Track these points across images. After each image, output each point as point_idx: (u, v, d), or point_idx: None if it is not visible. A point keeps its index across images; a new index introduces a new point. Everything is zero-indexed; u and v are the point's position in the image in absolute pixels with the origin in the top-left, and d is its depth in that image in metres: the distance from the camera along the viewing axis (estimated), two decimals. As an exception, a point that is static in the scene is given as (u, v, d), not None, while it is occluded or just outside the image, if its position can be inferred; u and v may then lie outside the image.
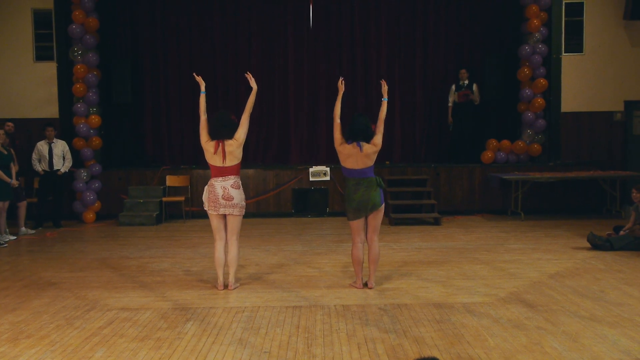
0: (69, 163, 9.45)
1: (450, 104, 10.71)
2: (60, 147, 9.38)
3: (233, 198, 5.30)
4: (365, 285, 5.46)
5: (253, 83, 5.51)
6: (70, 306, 5.01)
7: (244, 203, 5.42)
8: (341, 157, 5.28)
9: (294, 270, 6.23)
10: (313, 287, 5.51)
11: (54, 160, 9.26)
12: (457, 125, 10.66)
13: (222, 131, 5.28)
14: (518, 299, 5.04)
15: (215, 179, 5.36)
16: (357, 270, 5.43)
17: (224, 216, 5.42)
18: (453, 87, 10.68)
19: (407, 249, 7.33)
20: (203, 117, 5.40)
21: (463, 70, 10.51)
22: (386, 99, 5.43)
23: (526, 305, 4.86)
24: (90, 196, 9.86)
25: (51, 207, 9.47)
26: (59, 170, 9.31)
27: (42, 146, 9.27)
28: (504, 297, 5.09)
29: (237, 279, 5.61)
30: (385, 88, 5.52)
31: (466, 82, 10.51)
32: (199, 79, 5.61)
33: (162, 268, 6.42)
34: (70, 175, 9.75)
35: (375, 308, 4.82)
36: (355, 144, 5.20)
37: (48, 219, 9.47)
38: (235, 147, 5.28)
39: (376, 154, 5.27)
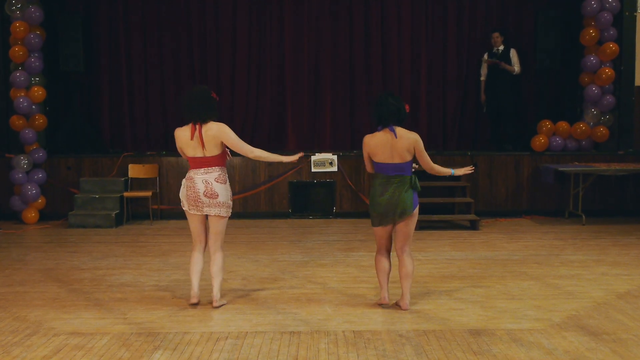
0: None
1: (482, 78, 10.77)
2: None
3: (218, 195, 5.33)
4: (396, 304, 5.48)
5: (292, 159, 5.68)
6: (7, 329, 5.03)
7: (230, 202, 5.45)
8: (371, 151, 5.30)
9: (292, 286, 6.25)
10: (315, 308, 5.53)
11: None
12: (491, 104, 10.67)
13: (198, 109, 5.26)
14: (577, 324, 5.05)
15: (194, 171, 5.37)
16: (382, 280, 5.47)
17: (206, 217, 5.46)
18: (485, 55, 10.72)
19: (436, 260, 7.34)
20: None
21: (496, 34, 10.57)
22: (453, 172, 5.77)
23: (588, 332, 4.87)
24: (31, 190, 9.88)
25: None
26: None
27: None
28: (560, 323, 5.10)
29: (222, 296, 5.64)
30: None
31: (501, 47, 10.54)
32: None
33: (123, 282, 6.45)
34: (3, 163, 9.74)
35: (394, 335, 4.84)
36: (387, 129, 5.21)
37: None
38: (215, 131, 5.28)
39: (414, 149, 5.25)
